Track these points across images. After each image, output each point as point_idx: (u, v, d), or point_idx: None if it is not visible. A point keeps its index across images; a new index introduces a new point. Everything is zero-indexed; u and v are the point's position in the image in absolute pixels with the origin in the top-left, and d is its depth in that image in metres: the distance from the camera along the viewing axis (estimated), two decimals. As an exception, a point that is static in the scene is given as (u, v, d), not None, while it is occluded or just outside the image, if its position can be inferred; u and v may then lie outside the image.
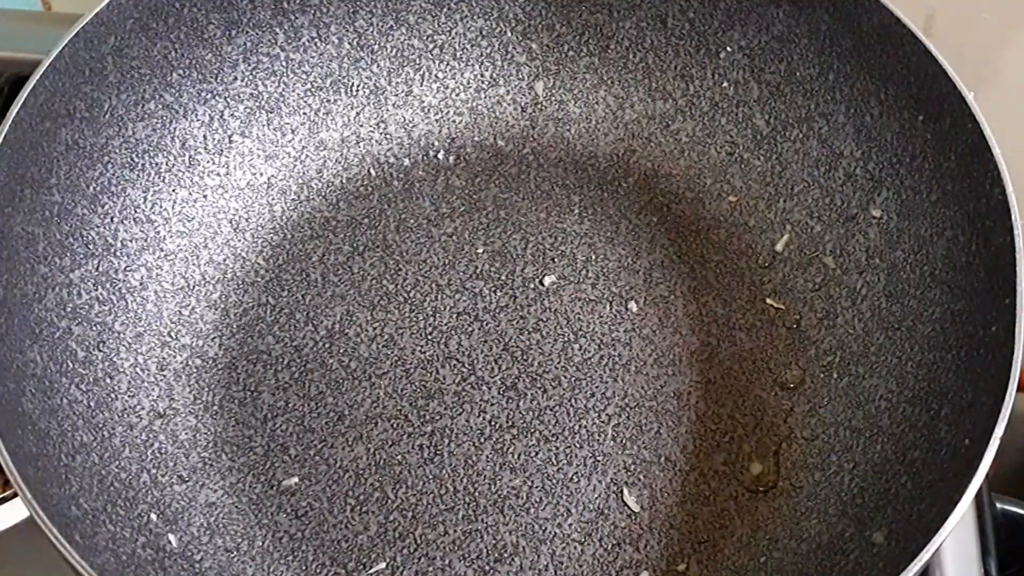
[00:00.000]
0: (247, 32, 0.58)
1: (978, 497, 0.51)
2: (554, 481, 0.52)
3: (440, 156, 0.62)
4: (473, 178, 0.61)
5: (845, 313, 0.55)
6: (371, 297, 0.57)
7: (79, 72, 0.52)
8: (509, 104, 0.63)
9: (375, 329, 0.56)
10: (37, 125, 0.50)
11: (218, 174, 0.58)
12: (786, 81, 0.58)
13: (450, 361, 0.55)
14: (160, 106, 0.56)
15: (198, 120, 0.58)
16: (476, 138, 0.62)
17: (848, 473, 0.50)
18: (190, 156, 0.58)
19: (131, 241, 0.55)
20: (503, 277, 0.58)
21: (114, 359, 0.52)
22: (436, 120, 0.62)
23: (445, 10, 0.62)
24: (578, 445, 0.53)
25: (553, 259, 0.58)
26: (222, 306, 0.57)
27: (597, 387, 0.54)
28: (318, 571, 0.50)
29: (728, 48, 0.59)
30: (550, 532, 0.51)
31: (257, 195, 0.59)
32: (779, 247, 0.57)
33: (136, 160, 0.55)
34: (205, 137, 0.58)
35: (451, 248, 0.59)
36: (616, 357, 0.55)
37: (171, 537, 0.49)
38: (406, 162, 0.62)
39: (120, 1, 0.52)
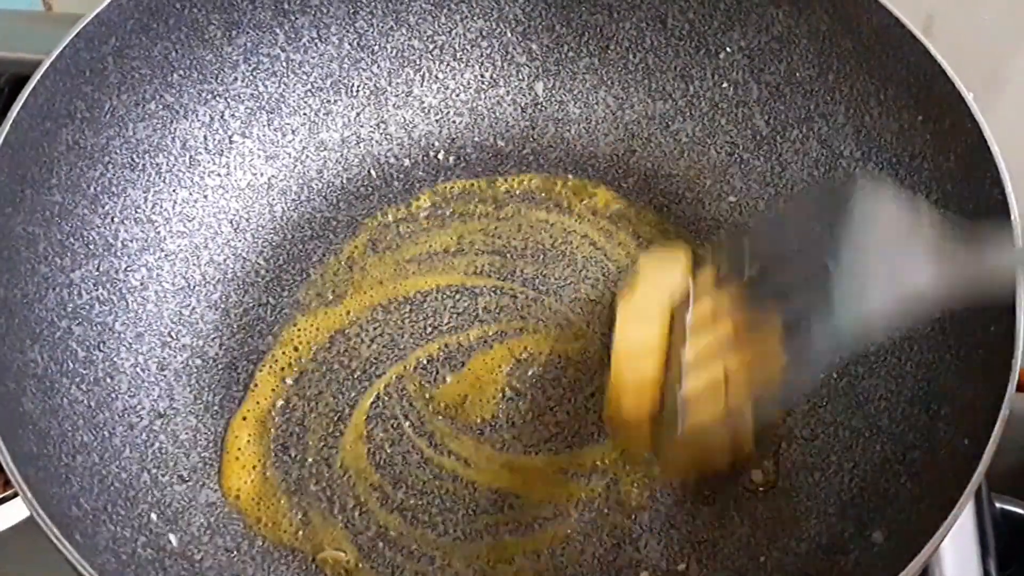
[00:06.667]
0: (248, 33, 0.58)
1: (978, 497, 0.51)
2: (554, 481, 0.52)
3: (440, 156, 0.62)
4: (473, 178, 0.61)
5: (845, 313, 0.55)
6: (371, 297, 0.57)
7: (80, 72, 0.52)
8: (509, 104, 0.63)
9: (375, 329, 0.56)
10: (38, 125, 0.50)
11: (218, 174, 0.59)
12: (786, 81, 0.58)
13: (450, 361, 0.55)
14: (161, 106, 0.56)
15: (199, 120, 0.58)
16: (476, 138, 0.62)
17: (848, 473, 0.50)
18: (191, 156, 0.58)
19: (132, 241, 0.55)
20: (503, 277, 0.58)
21: (115, 359, 0.52)
22: (436, 120, 0.62)
23: (445, 11, 0.62)
24: (578, 445, 0.53)
25: (553, 259, 0.58)
26: (222, 306, 0.57)
27: (597, 387, 0.54)
28: (318, 571, 0.50)
29: (728, 49, 0.59)
30: (550, 532, 0.51)
31: (257, 195, 0.59)
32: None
33: (137, 160, 0.55)
34: (206, 137, 0.58)
35: (451, 248, 0.59)
36: (616, 357, 0.55)
37: (171, 537, 0.49)
38: (406, 162, 0.62)
39: (121, 2, 0.53)
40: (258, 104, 0.59)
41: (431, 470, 0.52)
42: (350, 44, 0.61)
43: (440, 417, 0.54)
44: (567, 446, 0.53)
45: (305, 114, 0.61)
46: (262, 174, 0.60)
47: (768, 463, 0.52)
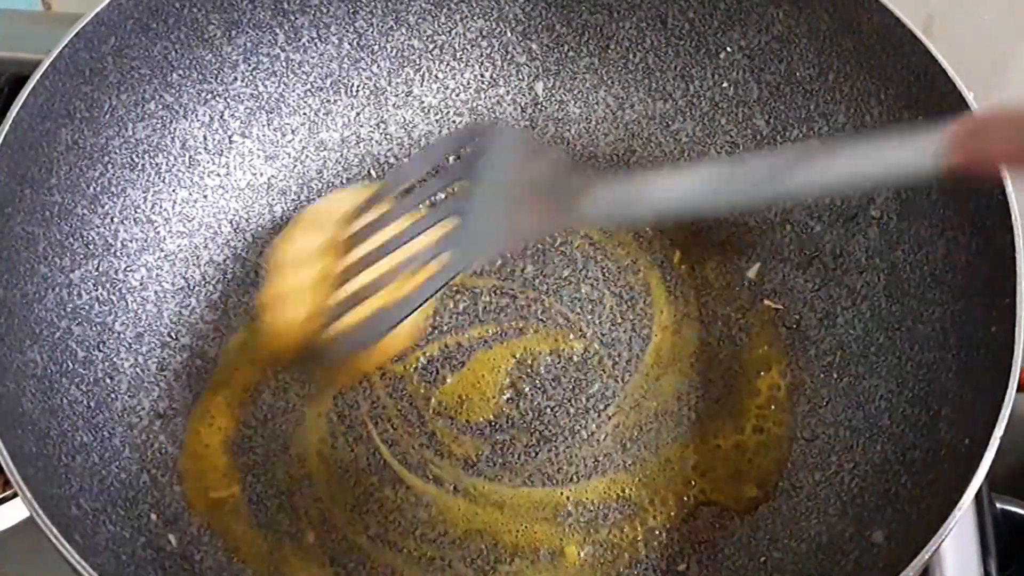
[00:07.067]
0: (247, 32, 0.58)
1: (978, 497, 0.51)
2: (554, 481, 0.52)
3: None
4: (473, 178, 0.61)
5: (845, 313, 0.55)
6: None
7: (79, 72, 0.52)
8: (509, 104, 0.63)
9: (375, 329, 0.56)
10: (37, 125, 0.50)
11: (218, 174, 0.58)
12: (786, 81, 0.58)
13: (450, 361, 0.55)
14: (160, 106, 0.56)
15: (198, 120, 0.58)
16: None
17: (848, 473, 0.50)
18: (190, 156, 0.58)
19: (131, 241, 0.55)
20: (503, 277, 0.58)
21: (114, 359, 0.52)
22: (436, 120, 0.62)
23: (445, 10, 0.62)
24: (578, 445, 0.53)
25: (553, 259, 0.58)
26: (222, 306, 0.56)
27: (597, 387, 0.54)
28: (318, 571, 0.50)
29: (728, 48, 0.59)
30: (550, 532, 0.51)
31: (257, 195, 0.59)
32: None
33: (136, 160, 0.55)
34: (205, 137, 0.58)
35: (451, 248, 0.59)
36: (616, 357, 0.55)
37: (171, 537, 0.49)
38: (406, 162, 0.62)
39: (120, 1, 0.52)
40: (258, 104, 0.59)
41: (431, 470, 0.52)
42: (350, 44, 0.61)
43: (440, 417, 0.53)
44: (567, 446, 0.53)
45: (305, 114, 0.61)
46: (262, 174, 0.60)
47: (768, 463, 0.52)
